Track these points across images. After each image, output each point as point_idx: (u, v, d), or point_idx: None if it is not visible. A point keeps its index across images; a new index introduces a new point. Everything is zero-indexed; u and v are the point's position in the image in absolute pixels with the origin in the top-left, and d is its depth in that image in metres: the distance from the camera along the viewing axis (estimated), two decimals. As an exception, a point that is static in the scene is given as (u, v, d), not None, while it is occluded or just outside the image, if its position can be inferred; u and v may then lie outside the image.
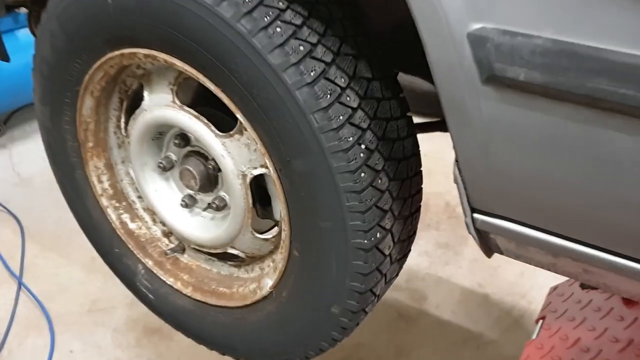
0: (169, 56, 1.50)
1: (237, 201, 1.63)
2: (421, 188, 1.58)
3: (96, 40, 1.61)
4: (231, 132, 1.55)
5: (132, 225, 1.99)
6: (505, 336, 2.86)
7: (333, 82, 1.34)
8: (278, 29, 1.32)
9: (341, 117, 1.33)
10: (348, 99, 1.35)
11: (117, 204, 1.99)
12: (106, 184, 1.96)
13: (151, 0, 1.42)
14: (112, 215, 1.98)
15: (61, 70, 1.74)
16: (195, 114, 1.61)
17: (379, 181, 1.39)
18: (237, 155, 1.57)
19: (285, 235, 1.55)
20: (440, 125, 2.08)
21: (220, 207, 1.72)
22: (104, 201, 1.97)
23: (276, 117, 1.36)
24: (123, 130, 1.89)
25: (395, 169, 1.44)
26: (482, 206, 1.18)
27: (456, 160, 1.18)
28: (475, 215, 1.20)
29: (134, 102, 1.82)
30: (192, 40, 1.40)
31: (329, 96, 1.32)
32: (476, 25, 1.01)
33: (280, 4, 1.35)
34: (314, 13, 1.39)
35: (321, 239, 1.43)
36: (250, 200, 1.61)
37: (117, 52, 1.61)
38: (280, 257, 1.60)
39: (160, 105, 1.68)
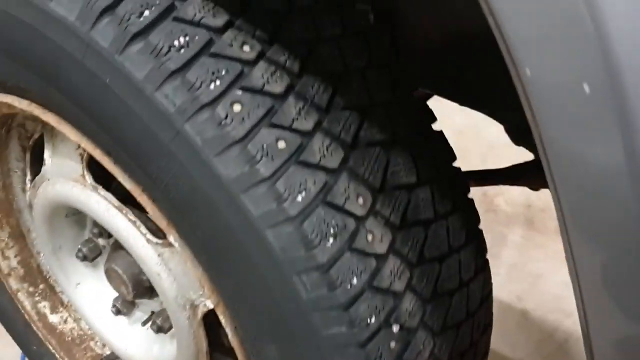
0: (58, 121, 0.85)
1: (185, 340, 1.00)
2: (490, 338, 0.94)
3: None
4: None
5: (53, 318, 1.39)
6: (548, 366, 2.33)
7: (343, 209, 0.68)
8: (237, 107, 0.66)
9: (355, 282, 0.68)
10: (370, 238, 0.70)
11: (33, 289, 1.37)
12: (14, 261, 1.35)
13: (10, 24, 0.76)
14: (25, 302, 1.37)
15: None
16: (117, 203, 0.96)
17: (424, 383, 0.75)
18: (183, 275, 0.93)
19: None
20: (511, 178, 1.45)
21: (165, 328, 1.10)
22: (13, 284, 1.36)
23: (233, 270, 0.71)
24: (30, 188, 1.25)
25: (453, 342, 0.80)
26: None
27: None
28: None
29: (41, 154, 1.18)
30: (77, 106, 0.76)
31: (332, 241, 0.67)
32: None
33: (246, 49, 0.69)
34: (310, 65, 0.72)
35: None
36: (206, 343, 0.98)
37: (-14, 98, 0.96)
38: None
39: (67, 178, 1.04)
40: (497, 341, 2.40)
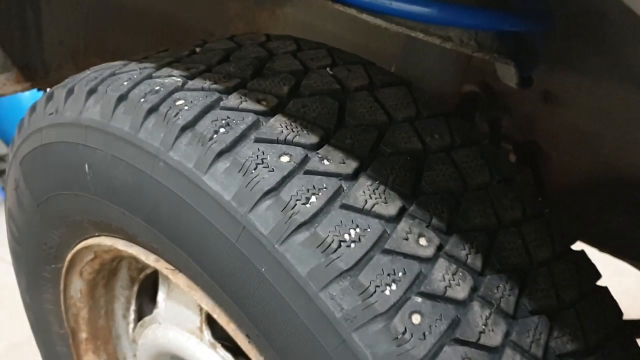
0: (189, 285, 0.78)
1: None
2: None
3: (74, 216, 0.91)
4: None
5: None
6: None
7: None
8: (417, 318, 0.56)
9: None
10: None
11: (123, 420, 1.28)
12: (107, 390, 1.26)
13: (154, 189, 0.70)
14: None
15: (33, 236, 1.06)
16: (238, 367, 0.87)
17: None
18: None
19: None
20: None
21: None
22: (103, 413, 1.27)
23: None
24: (134, 318, 1.19)
25: None
26: None
27: None
28: None
29: (152, 288, 1.12)
30: (222, 287, 0.68)
31: None
32: None
33: (423, 243, 0.60)
34: (493, 259, 0.62)
35: None
36: None
37: (108, 242, 0.91)
38: None
39: (181, 327, 0.95)
40: None
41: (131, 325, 1.20)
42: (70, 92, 0.85)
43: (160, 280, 1.01)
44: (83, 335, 1.21)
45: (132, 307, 1.18)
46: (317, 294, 0.58)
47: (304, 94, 0.71)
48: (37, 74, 1.36)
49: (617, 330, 0.68)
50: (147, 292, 1.16)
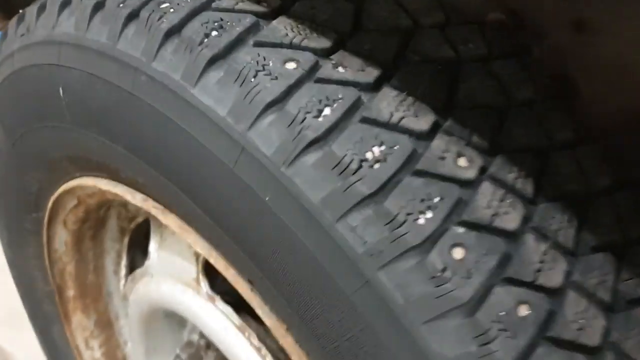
0: (181, 226, 0.67)
1: None
2: None
3: (51, 153, 0.80)
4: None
5: (138, 420, 1.20)
6: None
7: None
8: (458, 253, 0.46)
9: None
10: None
11: (116, 384, 1.19)
12: (98, 352, 1.17)
13: (136, 109, 0.59)
14: (107, 399, 1.19)
15: (10, 182, 0.96)
16: (239, 322, 0.77)
17: None
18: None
19: None
20: None
21: None
22: (96, 376, 1.18)
23: None
24: (125, 274, 1.09)
25: None
26: None
27: None
28: None
29: (144, 239, 1.01)
30: (218, 223, 0.57)
31: None
32: None
33: (462, 163, 0.49)
34: (546, 184, 0.51)
35: None
36: None
37: (90, 183, 0.80)
38: None
39: (175, 280, 0.85)
40: None
41: (122, 282, 1.10)
42: (42, 8, 0.73)
43: (152, 229, 0.91)
44: (70, 292, 1.12)
45: (124, 262, 1.08)
46: (333, 225, 0.47)
47: (312, -4, 0.60)
48: (15, 11, 1.25)
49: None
50: (140, 244, 1.06)
